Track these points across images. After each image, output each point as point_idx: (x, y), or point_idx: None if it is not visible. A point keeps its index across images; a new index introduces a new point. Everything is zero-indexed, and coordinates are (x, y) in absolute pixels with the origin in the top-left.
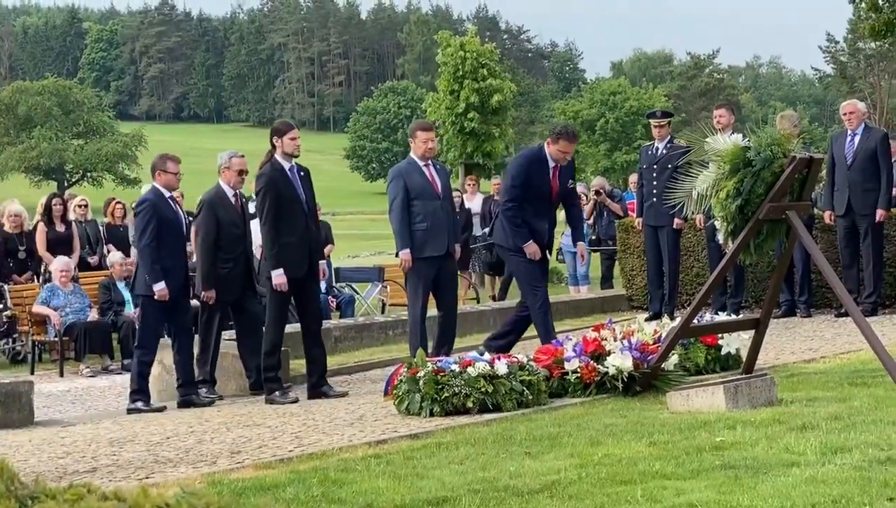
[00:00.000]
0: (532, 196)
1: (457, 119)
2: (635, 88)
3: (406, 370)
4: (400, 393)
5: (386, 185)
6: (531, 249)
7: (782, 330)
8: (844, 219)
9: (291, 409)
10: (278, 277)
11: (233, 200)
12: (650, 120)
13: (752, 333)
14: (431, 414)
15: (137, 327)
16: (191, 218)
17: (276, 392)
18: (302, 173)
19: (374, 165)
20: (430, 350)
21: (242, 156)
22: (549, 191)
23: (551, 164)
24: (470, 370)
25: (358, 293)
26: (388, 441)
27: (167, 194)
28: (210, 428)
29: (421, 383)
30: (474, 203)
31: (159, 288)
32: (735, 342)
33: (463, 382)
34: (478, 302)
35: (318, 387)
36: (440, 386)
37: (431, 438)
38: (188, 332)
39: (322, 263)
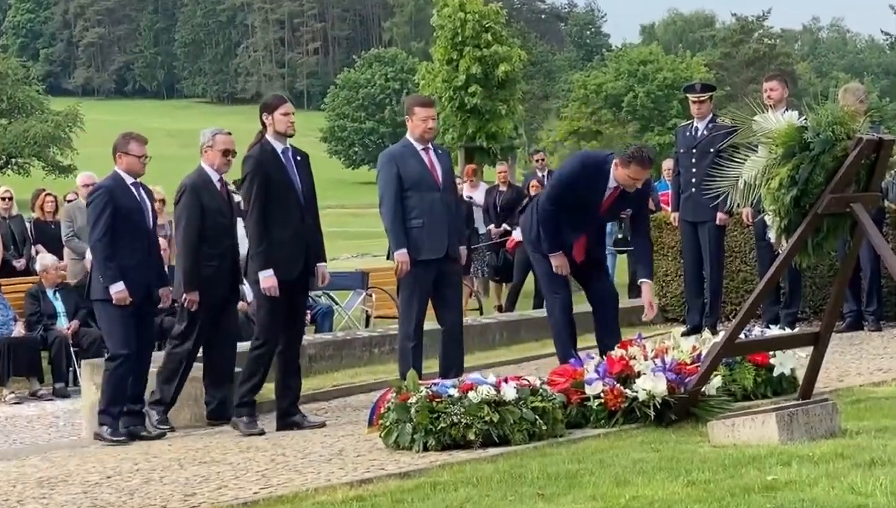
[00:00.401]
0: (573, 205)
1: (455, 94)
2: (670, 56)
3: (395, 395)
4: (387, 423)
5: (375, 173)
6: (558, 261)
7: (846, 347)
8: None
9: (257, 443)
10: (267, 279)
11: (217, 185)
12: (688, 95)
13: (810, 350)
14: (425, 448)
15: (105, 338)
16: None
17: (244, 418)
18: (298, 158)
19: (356, 149)
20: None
21: (229, 133)
22: (595, 207)
23: (611, 183)
24: (471, 395)
25: (337, 303)
26: (373, 481)
27: (129, 181)
28: (159, 465)
29: (413, 411)
30: (476, 195)
31: (116, 290)
32: (790, 362)
33: (463, 409)
34: (481, 313)
35: (289, 416)
36: (436, 415)
37: (425, 477)
38: (148, 350)
39: (321, 266)
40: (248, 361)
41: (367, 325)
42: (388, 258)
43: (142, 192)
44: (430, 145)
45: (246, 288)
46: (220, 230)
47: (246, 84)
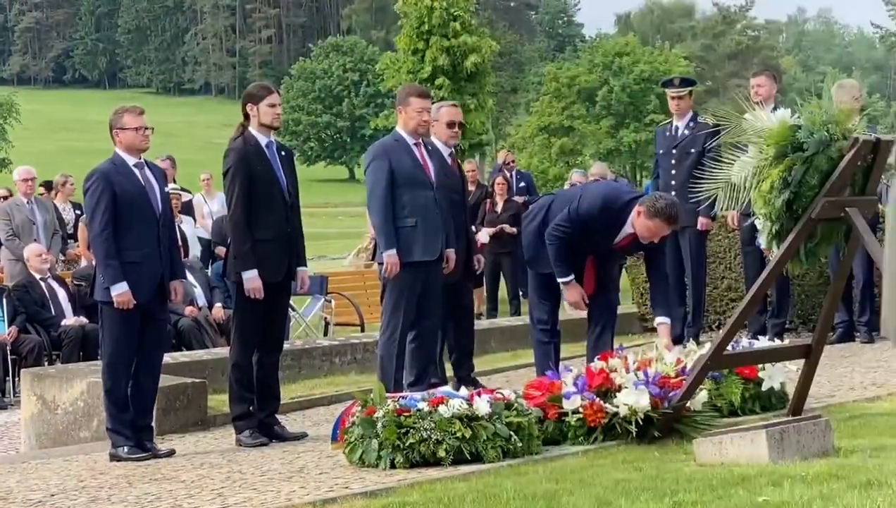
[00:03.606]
0: (587, 246)
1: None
2: (647, 47)
3: (360, 408)
4: (352, 439)
5: (363, 168)
6: (572, 293)
7: (838, 359)
8: None
9: (211, 459)
10: (251, 280)
11: (449, 160)
12: (666, 90)
13: (800, 363)
14: (393, 466)
15: (101, 344)
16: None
17: (246, 432)
18: (283, 153)
19: (312, 144)
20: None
21: (454, 105)
22: (605, 246)
23: (627, 229)
24: (442, 409)
25: (295, 310)
26: (337, 500)
27: (132, 162)
28: (107, 483)
29: (379, 425)
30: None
31: (118, 292)
32: (779, 375)
33: (433, 424)
34: None
35: (268, 427)
36: (404, 430)
37: (393, 496)
38: (157, 355)
39: (303, 270)
40: (231, 381)
41: (326, 333)
42: (372, 258)
43: (147, 172)
44: (421, 140)
45: (198, 292)
46: (448, 207)
47: (194, 74)
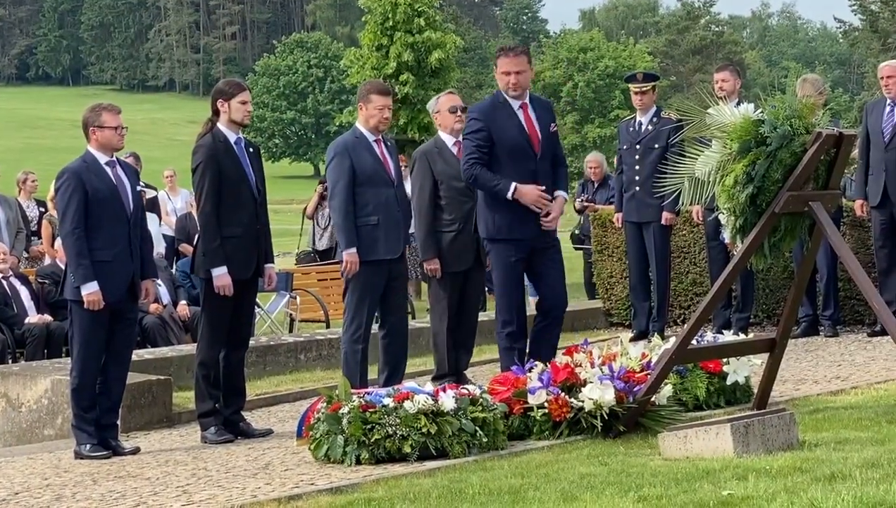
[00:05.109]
0: (507, 154)
1: (386, 82)
2: (611, 43)
3: (325, 405)
4: (317, 435)
5: (325, 165)
6: (525, 191)
7: (802, 353)
8: (881, 211)
9: (176, 457)
10: (221, 277)
11: (454, 149)
12: (629, 85)
13: (765, 357)
14: (358, 462)
15: (70, 342)
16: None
17: (211, 429)
18: (251, 150)
19: (276, 141)
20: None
21: (451, 91)
22: (527, 140)
23: (515, 105)
24: (407, 404)
25: (259, 306)
26: (302, 497)
27: (104, 160)
28: (71, 481)
29: (344, 422)
30: (406, 189)
31: (88, 291)
32: (744, 369)
33: (398, 420)
34: (413, 317)
35: (233, 424)
36: (369, 426)
37: (358, 492)
38: (125, 354)
39: (270, 267)
40: (197, 378)
41: (291, 330)
42: (333, 255)
43: (119, 171)
44: (381, 137)
45: (163, 290)
46: (456, 195)
47: (158, 70)
